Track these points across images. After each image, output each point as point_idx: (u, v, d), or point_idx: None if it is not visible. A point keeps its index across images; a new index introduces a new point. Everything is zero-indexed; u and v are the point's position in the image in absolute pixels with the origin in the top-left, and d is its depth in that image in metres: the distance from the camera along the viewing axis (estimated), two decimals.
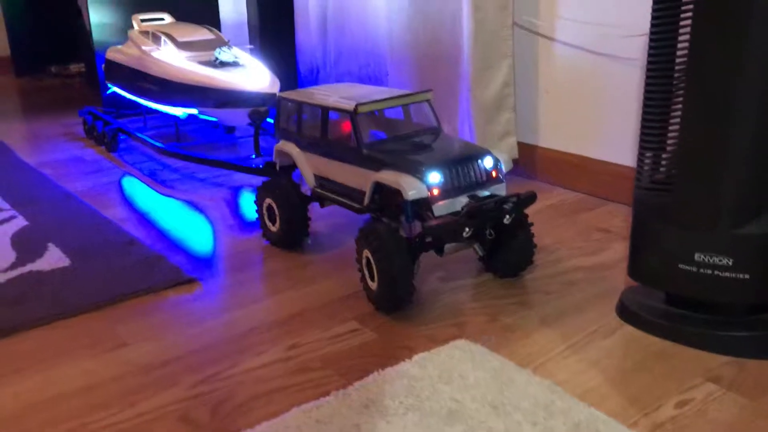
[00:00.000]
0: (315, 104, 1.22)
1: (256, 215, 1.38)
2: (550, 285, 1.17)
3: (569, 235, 1.37)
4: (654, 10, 0.95)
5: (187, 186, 1.74)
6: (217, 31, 1.94)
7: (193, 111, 1.77)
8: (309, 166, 1.28)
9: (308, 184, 1.28)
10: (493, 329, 1.04)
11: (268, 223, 1.35)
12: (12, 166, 1.93)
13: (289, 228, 1.31)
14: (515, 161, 1.69)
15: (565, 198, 1.58)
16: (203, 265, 1.29)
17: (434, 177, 1.04)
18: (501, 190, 1.09)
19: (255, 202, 1.37)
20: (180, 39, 1.84)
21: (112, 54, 2.10)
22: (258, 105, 1.64)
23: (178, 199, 1.65)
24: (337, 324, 1.06)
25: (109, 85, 2.18)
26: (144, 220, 1.52)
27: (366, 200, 1.13)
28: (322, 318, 1.08)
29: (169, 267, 1.26)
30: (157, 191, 1.71)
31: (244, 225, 1.47)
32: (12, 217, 1.53)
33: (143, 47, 1.89)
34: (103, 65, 2.19)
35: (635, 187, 1.02)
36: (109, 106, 2.29)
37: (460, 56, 1.74)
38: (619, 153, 1.52)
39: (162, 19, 2.12)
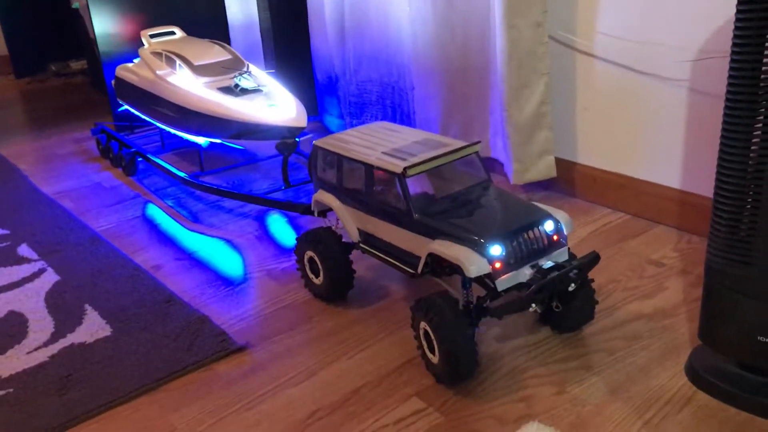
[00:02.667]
0: (358, 161, 1.16)
1: (297, 268, 1.33)
2: (612, 341, 1.13)
3: (621, 270, 1.32)
4: (738, 28, 0.85)
5: (213, 218, 1.69)
6: (233, 50, 1.86)
7: (216, 140, 1.71)
8: (352, 220, 1.23)
9: (351, 238, 1.24)
10: (562, 402, 1.01)
11: (311, 275, 1.30)
12: (31, 201, 1.88)
13: (333, 282, 1.26)
14: (553, 179, 1.63)
15: (608, 220, 1.53)
16: (248, 324, 1.25)
17: (496, 250, 0.99)
18: (563, 254, 1.04)
19: (295, 252, 1.32)
20: (195, 62, 1.76)
21: (122, 73, 2.02)
22: (285, 137, 1.57)
23: (207, 236, 1.60)
24: (399, 402, 1.03)
25: (121, 103, 2.11)
26: (177, 266, 1.48)
27: (420, 268, 1.08)
28: (383, 395, 1.05)
29: (214, 333, 1.22)
30: (183, 226, 1.66)
31: (283, 269, 1.43)
32: (41, 271, 1.48)
33: (157, 71, 1.81)
34: (113, 82, 2.11)
35: (708, 250, 0.97)
36: (121, 119, 2.22)
37: (491, 69, 1.67)
38: (663, 174, 1.46)
39: (173, 33, 2.03)
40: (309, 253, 1.28)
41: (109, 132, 2.10)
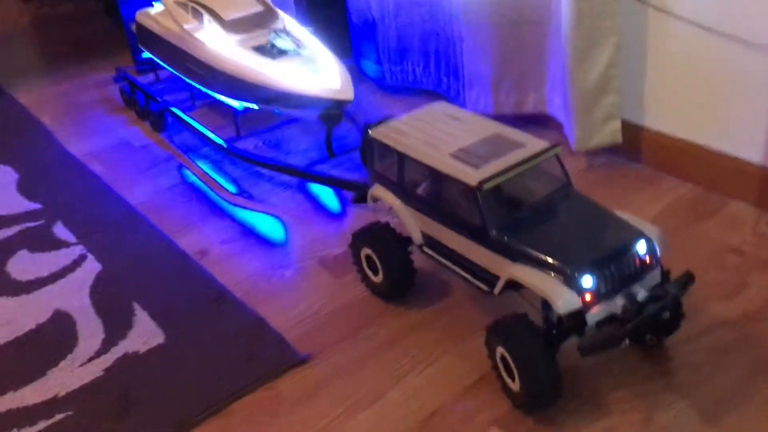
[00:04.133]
0: (424, 164, 1.06)
1: (354, 264, 1.26)
2: (696, 354, 1.06)
3: (699, 261, 1.23)
4: None
5: (253, 187, 1.60)
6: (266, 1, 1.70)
7: (252, 106, 1.59)
8: (415, 222, 1.14)
9: (414, 240, 1.15)
10: None
11: (369, 273, 1.23)
12: (60, 166, 1.79)
13: (394, 280, 1.19)
14: (618, 145, 1.52)
15: (678, 194, 1.43)
16: (307, 328, 1.19)
17: (587, 281, 0.90)
18: (656, 277, 0.96)
19: (350, 247, 1.25)
20: (226, 17, 1.62)
21: (143, 19, 1.87)
22: (329, 108, 1.45)
23: (250, 210, 1.52)
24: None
25: (143, 50, 1.98)
26: (223, 252, 1.41)
27: (497, 290, 1.00)
28: (460, 424, 1.00)
29: (273, 340, 1.17)
30: (224, 199, 1.58)
31: (335, 257, 1.35)
32: (82, 258, 1.42)
33: (184, 25, 1.67)
34: (133, 27, 1.97)
35: None
36: (143, 64, 2.08)
37: (547, 22, 1.52)
38: (742, 146, 1.35)
39: None
40: (366, 251, 1.21)
41: (133, 81, 1.97)
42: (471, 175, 0.99)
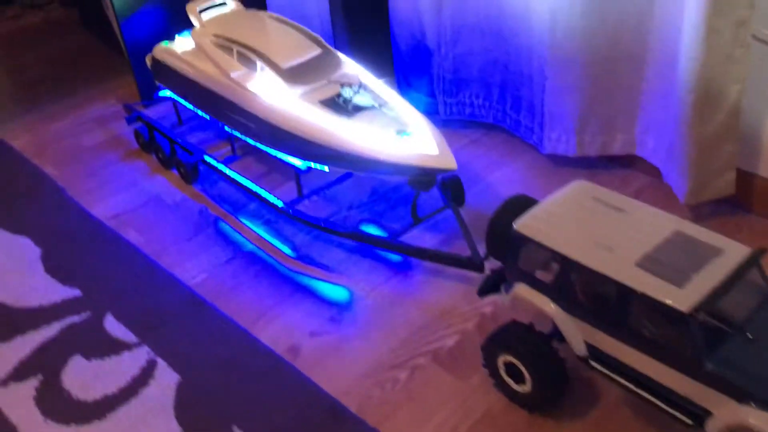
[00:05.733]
0: (605, 276, 0.91)
1: (486, 368, 1.10)
2: None
3: None
4: None
5: (325, 256, 1.42)
6: (317, 37, 1.50)
7: (323, 167, 1.40)
8: (578, 332, 0.99)
9: (575, 352, 1.01)
10: None
11: (508, 380, 1.08)
12: (86, 233, 1.56)
13: (547, 392, 1.05)
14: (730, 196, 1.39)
15: None
16: None
17: None
18: None
19: (483, 351, 1.09)
20: (283, 64, 1.41)
21: (165, 56, 1.64)
22: (423, 176, 1.28)
23: (330, 283, 1.35)
24: None
25: (162, 88, 1.75)
26: (316, 346, 1.23)
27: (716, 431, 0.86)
28: None
29: None
30: (292, 270, 1.39)
31: (449, 350, 1.20)
32: (151, 364, 1.22)
33: (231, 73, 1.45)
34: (148, 61, 1.74)
35: None
36: (157, 100, 1.86)
37: (647, 60, 1.39)
38: None
39: (223, 4, 1.64)
40: (506, 358, 1.06)
41: (155, 125, 1.74)
42: (677, 297, 0.85)
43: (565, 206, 1.03)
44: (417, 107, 1.35)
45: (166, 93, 1.76)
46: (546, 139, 1.56)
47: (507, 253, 1.04)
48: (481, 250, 1.23)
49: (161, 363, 1.22)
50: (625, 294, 0.90)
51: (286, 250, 1.45)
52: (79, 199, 1.67)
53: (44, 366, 1.24)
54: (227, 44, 1.49)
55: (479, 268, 1.25)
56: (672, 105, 1.34)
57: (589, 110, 1.49)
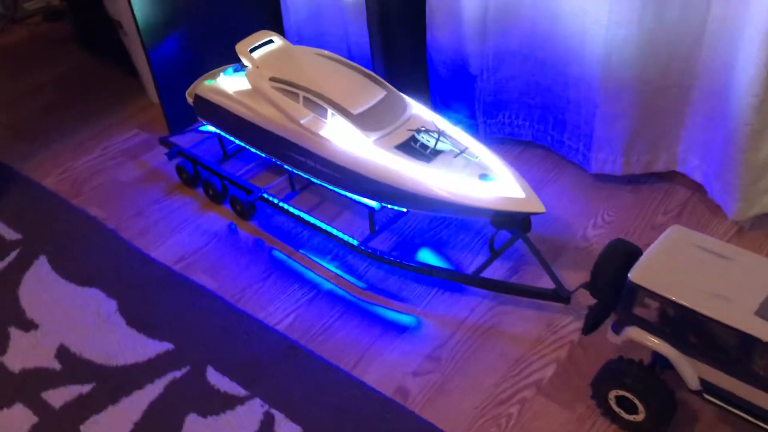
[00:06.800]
0: (727, 326, 1.01)
1: (593, 399, 1.21)
2: None
3: None
4: None
5: (404, 290, 1.49)
6: (380, 78, 1.54)
7: (400, 209, 1.46)
8: (693, 370, 1.10)
9: (689, 386, 1.12)
10: None
11: (619, 411, 1.19)
12: (157, 280, 1.57)
13: (660, 418, 1.16)
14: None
15: None
16: None
17: None
18: None
19: (592, 387, 1.19)
20: (354, 110, 1.45)
21: (211, 95, 1.65)
22: (504, 220, 1.35)
23: (412, 317, 1.42)
24: None
25: (204, 123, 1.76)
26: (422, 387, 1.31)
27: None
28: None
29: None
30: (370, 303, 1.46)
31: (551, 379, 1.29)
32: (269, 417, 1.27)
33: (300, 120, 1.48)
34: (189, 97, 1.74)
35: None
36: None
37: (693, 86, 1.49)
38: None
39: (271, 42, 1.65)
40: (618, 392, 1.16)
41: (203, 163, 1.75)
42: None
43: (672, 255, 1.12)
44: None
45: (207, 127, 1.77)
46: (593, 159, 1.65)
47: (620, 300, 1.14)
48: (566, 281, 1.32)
49: (278, 415, 1.28)
50: (749, 342, 1.00)
51: (358, 284, 1.51)
52: (135, 242, 1.68)
53: (163, 428, 1.27)
54: (290, 89, 1.51)
55: (566, 301, 1.34)
56: (721, 129, 1.45)
57: (636, 133, 1.58)
